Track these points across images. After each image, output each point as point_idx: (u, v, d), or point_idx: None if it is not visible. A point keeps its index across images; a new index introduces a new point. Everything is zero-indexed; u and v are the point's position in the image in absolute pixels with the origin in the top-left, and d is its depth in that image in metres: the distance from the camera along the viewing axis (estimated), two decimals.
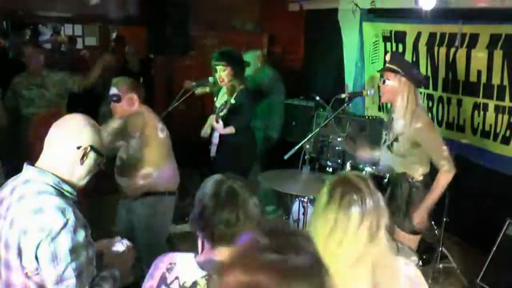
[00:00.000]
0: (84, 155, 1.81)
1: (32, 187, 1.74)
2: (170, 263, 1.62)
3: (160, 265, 1.64)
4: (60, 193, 1.76)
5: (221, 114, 3.91)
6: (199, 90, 4.43)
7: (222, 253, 1.57)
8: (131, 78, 3.28)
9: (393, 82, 3.01)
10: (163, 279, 1.60)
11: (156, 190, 3.15)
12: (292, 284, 0.93)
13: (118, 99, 3.07)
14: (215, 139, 4.12)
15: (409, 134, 2.99)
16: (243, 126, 4.01)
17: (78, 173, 1.83)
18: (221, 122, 3.88)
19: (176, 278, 1.58)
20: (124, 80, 3.18)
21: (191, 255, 1.62)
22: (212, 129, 4.16)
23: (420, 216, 3.00)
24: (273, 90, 5.03)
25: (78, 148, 1.80)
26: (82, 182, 1.87)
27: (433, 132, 3.03)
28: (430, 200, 2.97)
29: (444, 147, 2.97)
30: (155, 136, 3.11)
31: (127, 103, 3.08)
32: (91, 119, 1.89)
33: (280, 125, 5.18)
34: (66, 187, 1.79)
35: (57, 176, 1.77)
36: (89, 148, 1.82)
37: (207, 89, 4.47)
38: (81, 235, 1.71)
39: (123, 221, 3.29)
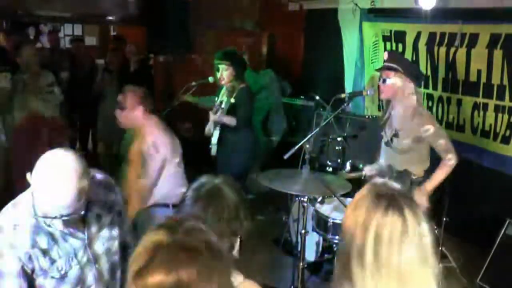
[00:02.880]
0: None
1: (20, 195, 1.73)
2: None
3: None
4: (32, 211, 1.66)
5: (220, 118, 3.97)
6: (188, 98, 4.38)
7: None
8: (141, 88, 3.22)
9: (392, 80, 3.03)
10: None
11: (160, 202, 3.13)
12: (212, 275, 1.03)
13: (122, 107, 3.09)
14: (214, 139, 4.14)
15: (411, 129, 3.00)
16: (243, 123, 4.04)
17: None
18: (219, 113, 3.92)
19: None
20: (133, 91, 3.15)
21: None
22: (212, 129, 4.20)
23: (422, 195, 2.96)
24: (273, 91, 5.07)
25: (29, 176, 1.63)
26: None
27: (434, 126, 3.05)
28: (431, 183, 2.99)
29: (447, 138, 3.02)
30: (155, 154, 3.07)
31: (130, 113, 3.09)
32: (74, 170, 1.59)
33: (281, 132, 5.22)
34: (36, 209, 1.66)
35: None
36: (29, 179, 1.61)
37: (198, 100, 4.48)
38: (4, 261, 1.63)
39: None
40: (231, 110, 4.01)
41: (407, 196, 1.42)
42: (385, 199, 1.38)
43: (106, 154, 6.75)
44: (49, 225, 1.69)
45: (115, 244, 1.92)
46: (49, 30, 7.88)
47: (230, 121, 3.98)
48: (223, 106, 4.02)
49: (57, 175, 1.56)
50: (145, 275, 1.03)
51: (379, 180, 1.49)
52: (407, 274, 1.32)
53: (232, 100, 3.99)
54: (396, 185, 1.46)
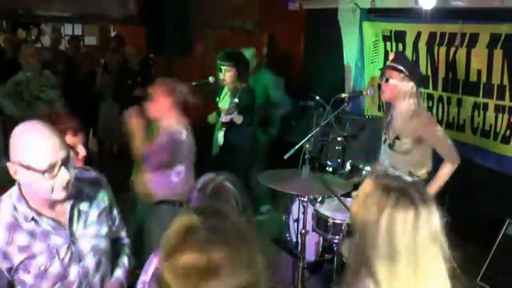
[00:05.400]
0: (15, 172, 1.63)
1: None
2: None
3: (154, 260, 1.66)
4: (15, 210, 1.68)
5: (232, 116, 3.96)
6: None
7: None
8: (172, 80, 3.27)
9: (396, 80, 3.02)
10: (155, 275, 1.62)
11: (170, 199, 3.14)
12: (241, 257, 1.08)
13: (151, 99, 3.10)
14: (220, 140, 4.14)
15: (411, 130, 3.01)
16: (247, 122, 4.05)
17: (26, 192, 1.69)
18: (234, 113, 3.91)
19: None
20: (163, 82, 3.19)
21: None
22: (214, 127, 4.20)
23: None
24: (273, 90, 5.04)
25: (10, 164, 1.64)
26: (42, 200, 1.69)
27: (433, 125, 3.07)
28: (433, 187, 2.99)
29: (448, 139, 3.03)
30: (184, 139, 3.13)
31: (158, 105, 3.10)
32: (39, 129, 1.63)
33: (279, 123, 5.19)
34: (21, 205, 1.68)
35: (19, 190, 1.69)
36: (16, 164, 1.62)
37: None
38: None
39: (133, 225, 3.28)
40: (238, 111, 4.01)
41: (415, 185, 1.44)
42: (394, 191, 1.39)
43: (106, 154, 6.76)
44: (33, 219, 1.68)
45: (104, 243, 1.91)
46: (53, 27, 7.89)
47: (238, 119, 3.98)
48: (233, 115, 3.99)
49: (31, 129, 1.61)
50: (177, 256, 1.07)
51: (381, 171, 1.51)
52: (421, 260, 1.37)
53: (236, 100, 3.99)
54: (400, 175, 1.47)
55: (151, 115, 3.14)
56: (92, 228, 1.86)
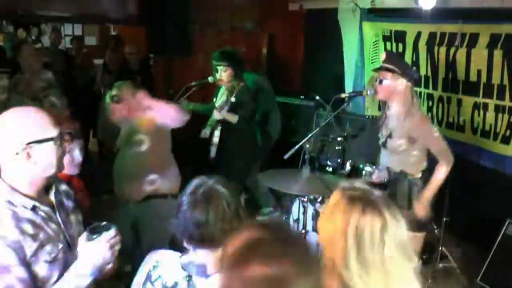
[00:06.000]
0: (28, 154, 1.64)
1: None
2: (157, 261, 1.65)
3: (149, 261, 1.67)
4: (11, 204, 1.67)
5: (224, 115, 3.97)
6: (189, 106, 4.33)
7: (201, 256, 1.57)
8: (131, 81, 3.32)
9: (389, 81, 3.02)
10: (148, 276, 1.64)
11: (160, 193, 3.15)
12: (308, 274, 1.07)
13: (118, 100, 3.11)
14: (215, 139, 4.13)
15: (403, 130, 3.00)
16: (245, 122, 4.04)
17: (23, 180, 1.69)
18: (224, 109, 3.92)
19: (159, 276, 1.61)
20: (126, 84, 3.22)
21: (177, 254, 1.63)
22: (212, 130, 4.18)
23: (423, 208, 2.98)
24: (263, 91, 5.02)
25: (17, 150, 1.63)
26: (48, 174, 1.73)
27: (427, 125, 3.05)
28: (430, 191, 2.97)
29: (441, 138, 3.00)
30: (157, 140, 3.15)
31: (126, 105, 3.10)
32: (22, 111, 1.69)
33: (280, 125, 5.18)
34: (16, 197, 1.68)
35: (8, 184, 1.68)
36: (29, 145, 1.63)
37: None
38: (3, 255, 1.60)
39: (124, 224, 3.28)
40: (232, 109, 4.00)
41: (380, 194, 1.45)
42: (360, 201, 1.40)
43: (106, 154, 6.76)
44: (33, 208, 1.69)
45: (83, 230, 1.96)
46: (53, 27, 7.88)
47: (232, 118, 3.96)
48: (227, 105, 4.00)
49: (28, 109, 1.70)
50: (245, 267, 1.06)
51: (347, 183, 1.51)
52: (391, 270, 1.36)
53: (233, 99, 3.98)
54: (366, 186, 1.48)
55: (119, 116, 3.15)
56: (73, 217, 1.93)
